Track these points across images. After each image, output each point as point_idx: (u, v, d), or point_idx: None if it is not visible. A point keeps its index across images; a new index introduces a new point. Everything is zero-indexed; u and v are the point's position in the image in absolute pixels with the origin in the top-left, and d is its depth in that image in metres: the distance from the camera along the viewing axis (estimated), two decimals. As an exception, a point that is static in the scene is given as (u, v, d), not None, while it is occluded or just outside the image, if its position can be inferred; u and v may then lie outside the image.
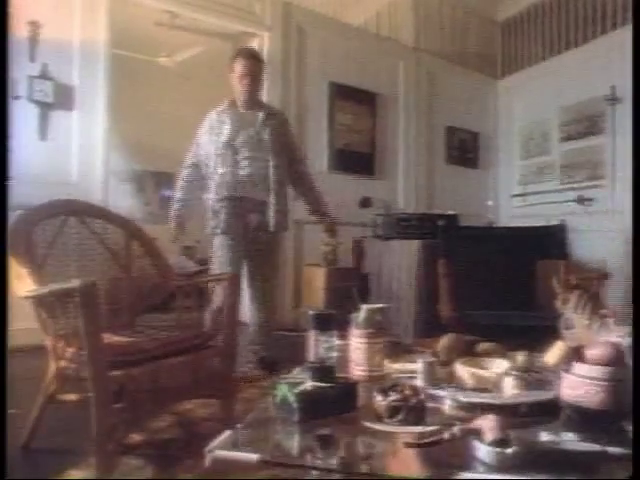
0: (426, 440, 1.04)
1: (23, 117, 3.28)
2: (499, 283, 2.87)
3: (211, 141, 2.78)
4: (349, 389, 1.32)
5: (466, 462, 0.99)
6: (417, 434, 1.10)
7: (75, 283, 1.45)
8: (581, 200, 4.75)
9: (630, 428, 1.10)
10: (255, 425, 1.24)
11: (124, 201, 5.20)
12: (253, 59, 2.83)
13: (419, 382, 1.46)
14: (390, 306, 3.40)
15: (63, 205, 2.01)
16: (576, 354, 1.24)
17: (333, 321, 1.61)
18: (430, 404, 1.25)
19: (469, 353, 1.66)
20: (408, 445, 1.04)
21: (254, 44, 4.21)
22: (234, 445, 1.09)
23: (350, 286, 3.68)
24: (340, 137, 4.71)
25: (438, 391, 1.39)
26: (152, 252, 2.18)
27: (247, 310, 2.84)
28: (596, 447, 1.06)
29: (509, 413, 1.15)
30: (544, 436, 1.12)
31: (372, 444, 1.13)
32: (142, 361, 1.59)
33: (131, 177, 6.33)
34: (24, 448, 1.74)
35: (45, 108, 3.39)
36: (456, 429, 1.04)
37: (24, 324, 1.96)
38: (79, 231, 2.01)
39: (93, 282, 1.49)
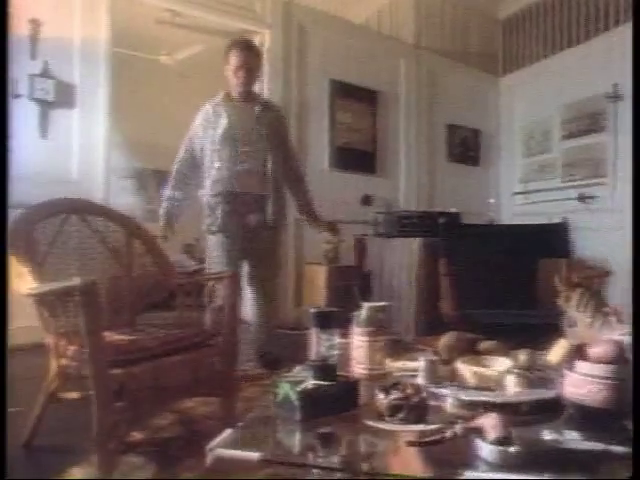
0: (428, 439, 1.04)
1: (24, 116, 3.28)
2: (501, 281, 2.86)
3: (207, 135, 2.70)
4: (350, 387, 1.31)
5: (468, 461, 0.99)
6: (419, 433, 1.10)
7: (76, 281, 1.46)
8: (583, 198, 4.74)
9: (633, 426, 1.09)
10: (256, 423, 1.24)
11: (125, 199, 5.20)
12: (248, 50, 2.74)
13: (421, 380, 1.45)
14: (391, 304, 3.39)
15: (64, 203, 2.01)
16: (579, 352, 1.23)
17: (334, 319, 1.60)
18: (432, 402, 1.25)
19: (471, 351, 1.66)
20: (410, 444, 1.04)
21: (255, 42, 4.20)
22: (235, 444, 1.08)
23: (351, 284, 3.70)
24: (341, 135, 4.70)
25: (440, 389, 1.38)
26: (153, 250, 2.18)
27: (249, 309, 2.82)
28: (599, 446, 1.06)
29: (511, 411, 1.14)
30: (547, 435, 1.11)
31: (373, 443, 1.13)
32: (143, 359, 1.60)
33: (132, 175, 6.32)
34: (25, 447, 1.74)
35: (46, 106, 3.39)
36: (458, 428, 1.03)
37: (24, 322, 1.96)
38: (80, 229, 2.01)
39: (94, 281, 1.49)
